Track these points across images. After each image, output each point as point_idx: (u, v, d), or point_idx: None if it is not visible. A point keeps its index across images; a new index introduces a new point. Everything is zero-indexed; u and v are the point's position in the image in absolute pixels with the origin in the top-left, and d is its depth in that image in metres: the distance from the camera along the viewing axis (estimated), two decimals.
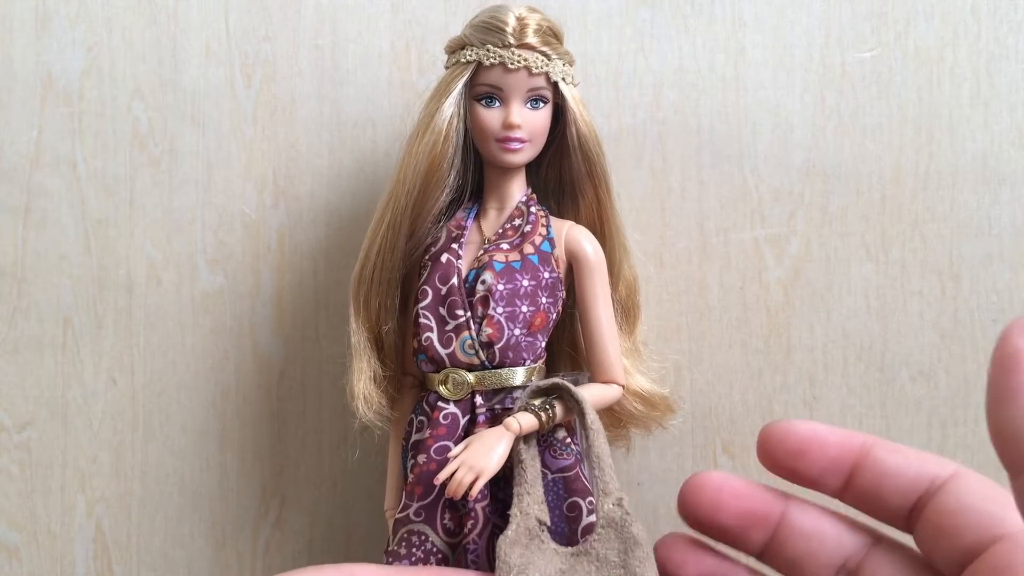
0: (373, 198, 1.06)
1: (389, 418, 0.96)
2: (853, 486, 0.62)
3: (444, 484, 0.88)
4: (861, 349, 1.07)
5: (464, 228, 0.96)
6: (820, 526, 0.65)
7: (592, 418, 0.89)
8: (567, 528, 0.91)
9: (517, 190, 0.97)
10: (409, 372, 0.98)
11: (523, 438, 0.89)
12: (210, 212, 1.11)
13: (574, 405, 0.90)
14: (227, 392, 1.11)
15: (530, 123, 0.93)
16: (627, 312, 1.00)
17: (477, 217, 0.98)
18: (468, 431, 0.92)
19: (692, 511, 0.66)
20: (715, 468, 1.07)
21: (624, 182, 1.07)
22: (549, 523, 0.88)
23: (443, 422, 0.92)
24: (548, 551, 0.85)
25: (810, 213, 1.08)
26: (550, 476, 0.92)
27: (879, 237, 1.07)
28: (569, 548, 0.86)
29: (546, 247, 0.94)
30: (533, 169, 0.99)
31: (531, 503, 0.87)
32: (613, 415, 1.00)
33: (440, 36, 1.07)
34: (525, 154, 0.94)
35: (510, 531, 0.84)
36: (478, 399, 0.92)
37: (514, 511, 0.86)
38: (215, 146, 1.11)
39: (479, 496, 0.89)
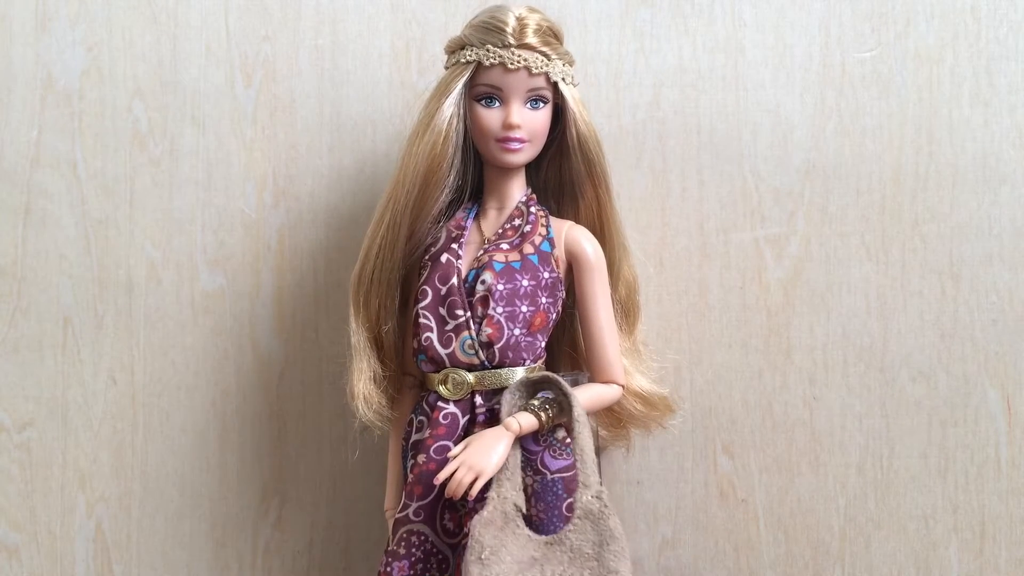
0: (373, 198, 1.06)
1: (389, 418, 0.96)
2: None
3: (444, 484, 0.88)
4: (861, 349, 1.07)
5: (464, 228, 0.96)
6: None
7: (579, 412, 0.90)
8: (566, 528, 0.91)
9: (517, 190, 0.97)
10: (409, 372, 0.98)
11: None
12: (210, 212, 1.11)
13: (562, 397, 0.91)
14: (227, 392, 1.11)
15: (530, 123, 0.93)
16: (627, 312, 1.00)
17: (477, 217, 0.98)
18: (468, 431, 0.92)
19: None
20: (715, 468, 1.08)
21: (624, 182, 1.07)
22: (525, 510, 0.89)
23: (443, 422, 0.92)
24: (522, 536, 0.86)
25: (810, 213, 1.08)
26: (549, 476, 0.92)
27: (879, 237, 1.07)
28: (543, 536, 0.87)
29: (546, 247, 0.94)
30: (533, 169, 0.99)
31: (509, 488, 0.88)
32: (613, 415, 1.00)
33: (440, 36, 1.07)
34: (525, 154, 0.94)
35: (485, 512, 0.86)
36: (478, 399, 0.93)
37: (491, 494, 0.87)
38: (215, 146, 1.11)
39: (479, 496, 0.89)
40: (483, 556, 0.83)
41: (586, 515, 0.86)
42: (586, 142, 0.95)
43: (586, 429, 0.89)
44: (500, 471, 0.88)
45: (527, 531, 0.86)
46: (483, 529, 0.84)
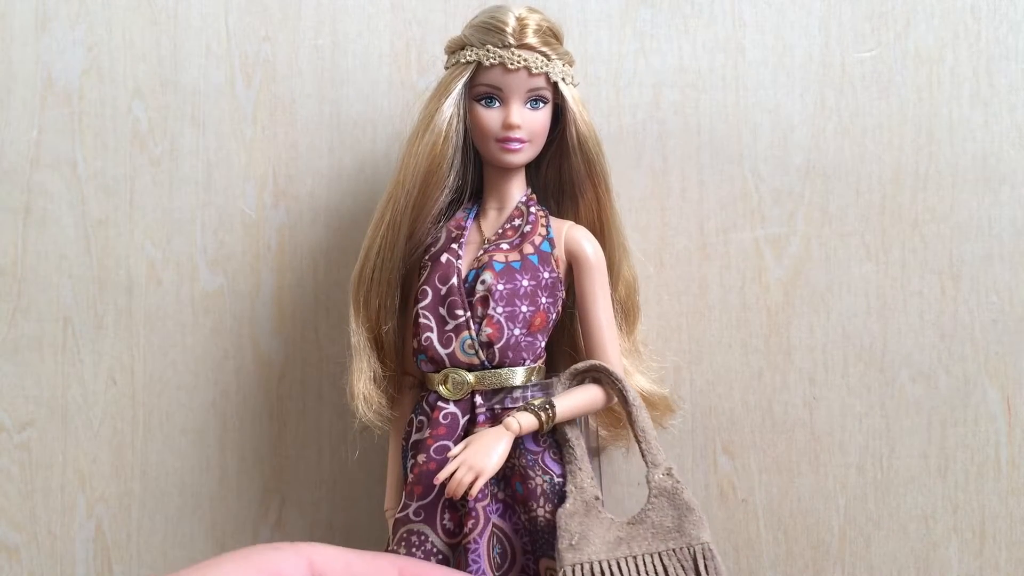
0: (373, 198, 1.06)
1: (389, 418, 0.96)
2: None
3: (444, 484, 0.88)
4: (861, 349, 1.07)
5: (464, 228, 0.96)
6: None
7: (633, 395, 0.93)
8: None
9: (517, 190, 0.97)
10: (409, 372, 0.99)
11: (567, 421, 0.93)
12: (210, 212, 1.11)
13: (611, 385, 0.93)
14: (227, 392, 1.11)
15: (530, 123, 0.93)
16: (627, 312, 1.00)
17: (477, 217, 0.98)
18: (468, 431, 0.92)
19: None
20: (715, 468, 1.08)
21: (624, 182, 1.07)
22: (602, 497, 0.91)
23: (443, 422, 0.92)
24: (605, 520, 0.90)
25: (810, 213, 1.08)
26: (555, 478, 0.92)
27: (879, 237, 1.07)
28: (624, 518, 0.91)
29: (546, 247, 0.94)
30: (533, 169, 0.99)
31: (583, 479, 0.91)
32: (613, 415, 1.00)
33: (440, 36, 1.07)
34: (525, 154, 0.94)
35: (568, 504, 0.90)
36: (478, 399, 0.93)
37: (569, 487, 0.91)
38: (215, 146, 1.11)
39: (479, 496, 0.90)
40: (573, 542, 0.88)
41: (661, 492, 0.90)
42: (586, 142, 0.95)
43: (643, 411, 0.93)
44: (570, 463, 0.92)
45: (609, 515, 0.90)
46: (569, 519, 0.89)
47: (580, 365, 0.93)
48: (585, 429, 1.01)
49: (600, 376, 0.94)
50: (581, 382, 0.94)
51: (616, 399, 0.95)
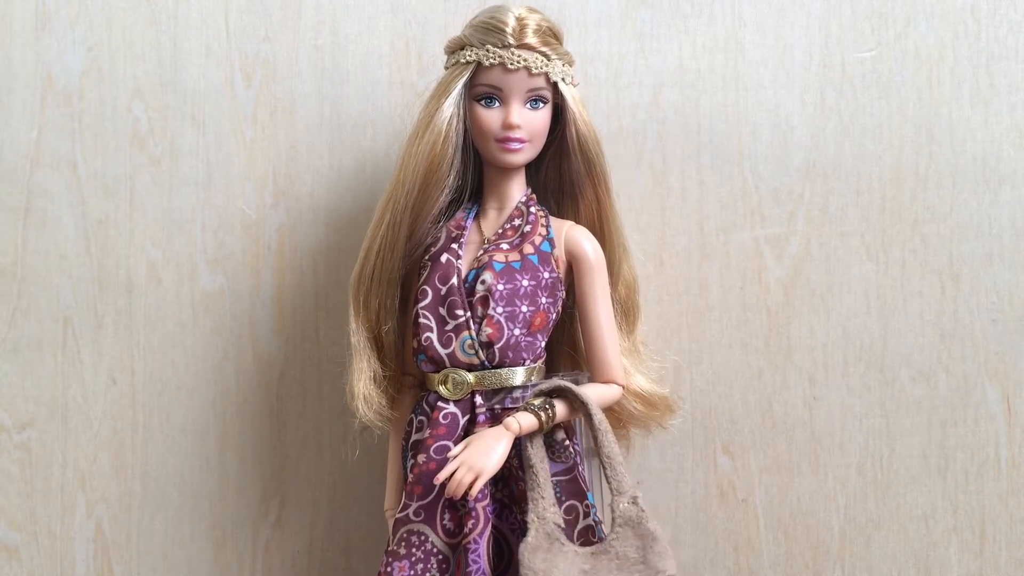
0: (373, 198, 1.06)
1: (389, 418, 0.97)
2: None
3: (444, 484, 0.88)
4: (861, 349, 1.07)
5: (464, 228, 0.96)
6: None
7: (599, 419, 0.91)
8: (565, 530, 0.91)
9: (517, 190, 0.97)
10: (409, 372, 0.99)
11: (530, 441, 0.91)
12: (210, 212, 1.11)
13: (579, 406, 0.91)
14: (227, 392, 1.11)
15: (530, 123, 0.93)
16: (627, 312, 1.00)
17: (477, 217, 0.98)
18: (468, 431, 0.92)
19: None
20: (715, 468, 1.08)
21: (624, 182, 1.07)
22: (563, 525, 0.90)
23: (443, 422, 0.92)
24: (569, 553, 0.88)
25: (810, 213, 1.08)
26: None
27: (879, 237, 1.07)
28: (588, 548, 0.89)
29: (546, 247, 0.94)
30: (533, 169, 0.99)
31: (546, 507, 0.89)
32: (613, 415, 1.00)
33: (440, 36, 1.07)
34: (525, 154, 0.95)
35: (530, 537, 0.87)
36: (478, 399, 0.93)
37: (531, 516, 0.89)
38: (215, 146, 1.11)
39: (479, 496, 0.90)
40: None
41: (626, 521, 0.88)
42: (586, 142, 0.95)
43: (609, 436, 0.90)
44: (533, 490, 0.89)
45: (573, 547, 0.88)
46: (531, 555, 0.87)
47: (543, 385, 0.91)
48: (585, 429, 1.01)
49: (566, 394, 0.91)
50: (547, 399, 0.91)
51: (618, 403, 0.96)
